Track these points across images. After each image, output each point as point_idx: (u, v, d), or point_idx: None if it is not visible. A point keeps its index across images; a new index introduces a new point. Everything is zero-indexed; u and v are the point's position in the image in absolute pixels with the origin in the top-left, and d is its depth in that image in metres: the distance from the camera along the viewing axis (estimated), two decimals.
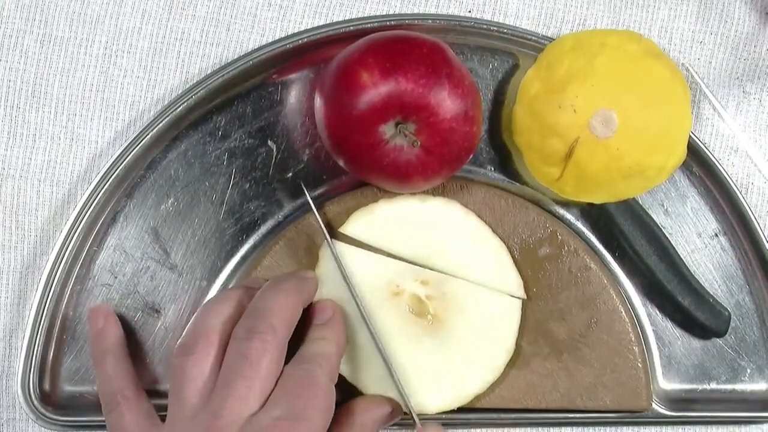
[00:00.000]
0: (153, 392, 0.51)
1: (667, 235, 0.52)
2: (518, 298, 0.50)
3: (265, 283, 0.47)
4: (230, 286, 0.52)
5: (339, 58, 0.46)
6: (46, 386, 0.51)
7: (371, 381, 0.49)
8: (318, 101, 0.47)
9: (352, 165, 0.47)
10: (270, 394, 0.42)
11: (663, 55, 0.48)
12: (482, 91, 0.52)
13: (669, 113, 0.47)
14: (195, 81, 0.52)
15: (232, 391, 0.42)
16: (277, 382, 0.43)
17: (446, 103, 0.45)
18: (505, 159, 0.52)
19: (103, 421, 0.51)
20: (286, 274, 0.49)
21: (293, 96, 0.52)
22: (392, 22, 0.51)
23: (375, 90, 0.44)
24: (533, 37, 0.51)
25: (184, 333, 0.46)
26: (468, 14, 0.53)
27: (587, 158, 0.47)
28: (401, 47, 0.45)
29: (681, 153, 0.48)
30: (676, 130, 0.47)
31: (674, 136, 0.47)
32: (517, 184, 0.52)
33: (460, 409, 0.50)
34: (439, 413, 0.49)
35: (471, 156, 0.48)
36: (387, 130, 0.45)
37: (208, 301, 0.48)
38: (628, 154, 0.46)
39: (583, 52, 0.47)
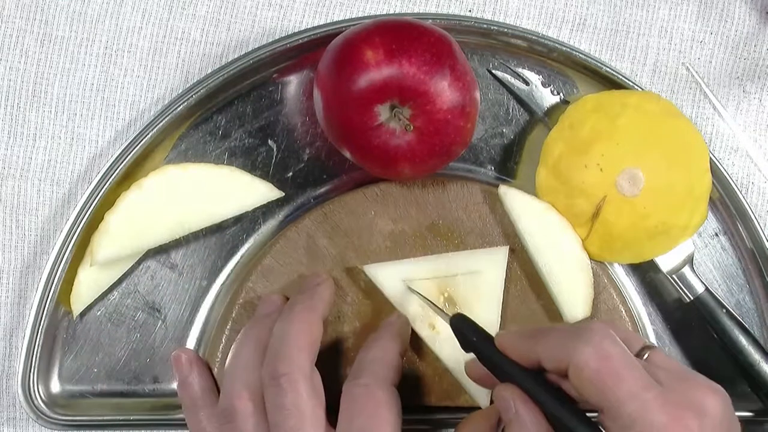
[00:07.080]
0: (153, 391, 0.52)
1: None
2: None
3: (279, 299, 0.49)
4: (250, 322, 0.49)
5: (347, 33, 0.46)
6: (46, 386, 0.51)
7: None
8: (319, 71, 0.46)
9: (342, 141, 0.47)
10: (331, 418, 0.43)
11: (681, 115, 0.49)
12: (482, 90, 0.52)
13: (692, 172, 0.48)
14: (195, 80, 0.52)
15: None
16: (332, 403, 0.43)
17: (445, 93, 0.45)
18: (505, 159, 0.52)
19: (103, 420, 0.51)
20: (303, 283, 0.49)
21: (293, 95, 0.52)
22: None
23: (377, 69, 0.44)
24: (533, 36, 0.51)
25: (221, 393, 0.46)
26: (468, 14, 0.53)
27: (614, 217, 0.47)
28: (410, 32, 0.45)
29: (703, 212, 0.49)
30: (698, 188, 0.48)
31: (697, 194, 0.48)
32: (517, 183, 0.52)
33: (460, 409, 0.50)
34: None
35: (461, 153, 0.48)
36: (382, 111, 0.45)
37: (232, 352, 0.47)
38: (654, 213, 0.47)
39: (605, 113, 0.48)
